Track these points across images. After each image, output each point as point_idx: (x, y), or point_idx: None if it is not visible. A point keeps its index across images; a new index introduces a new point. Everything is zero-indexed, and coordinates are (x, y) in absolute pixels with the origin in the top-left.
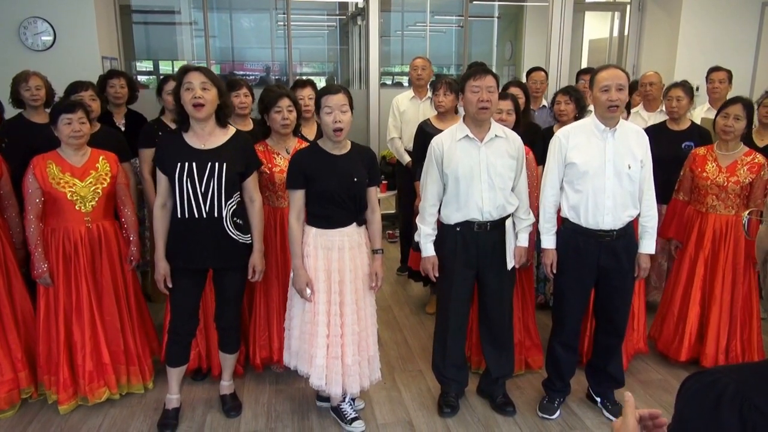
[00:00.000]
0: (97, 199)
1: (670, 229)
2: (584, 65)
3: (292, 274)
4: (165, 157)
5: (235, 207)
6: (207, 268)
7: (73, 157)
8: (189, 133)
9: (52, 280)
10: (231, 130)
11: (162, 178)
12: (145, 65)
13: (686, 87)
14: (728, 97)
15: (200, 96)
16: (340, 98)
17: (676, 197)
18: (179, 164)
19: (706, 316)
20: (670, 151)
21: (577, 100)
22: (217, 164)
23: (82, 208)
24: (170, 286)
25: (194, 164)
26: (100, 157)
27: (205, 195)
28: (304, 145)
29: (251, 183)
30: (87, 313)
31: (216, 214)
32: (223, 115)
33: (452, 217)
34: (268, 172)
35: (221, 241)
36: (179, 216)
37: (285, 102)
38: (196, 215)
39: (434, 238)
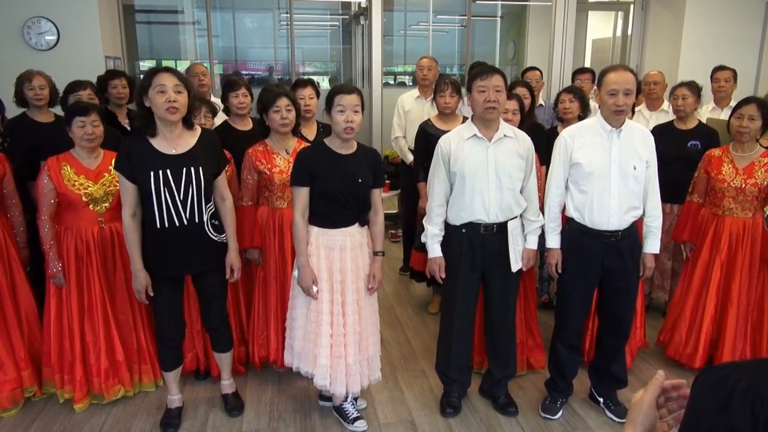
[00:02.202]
0: (110, 200)
1: (684, 232)
2: (587, 65)
3: (295, 273)
4: (133, 165)
5: (213, 210)
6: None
7: (86, 159)
8: (157, 138)
9: (65, 280)
10: (197, 130)
11: (129, 187)
12: (148, 65)
13: (692, 86)
14: (733, 96)
15: (175, 99)
16: (354, 99)
17: (690, 199)
18: (152, 173)
19: (722, 320)
20: (676, 150)
21: (581, 98)
22: (192, 169)
23: (96, 208)
24: (152, 295)
25: (168, 171)
26: (113, 160)
27: (184, 202)
28: (304, 145)
29: (222, 182)
30: (100, 312)
31: (197, 220)
32: (189, 116)
33: (458, 218)
34: (267, 172)
35: (202, 245)
36: (158, 226)
37: (283, 101)
38: (177, 223)
39: (441, 238)
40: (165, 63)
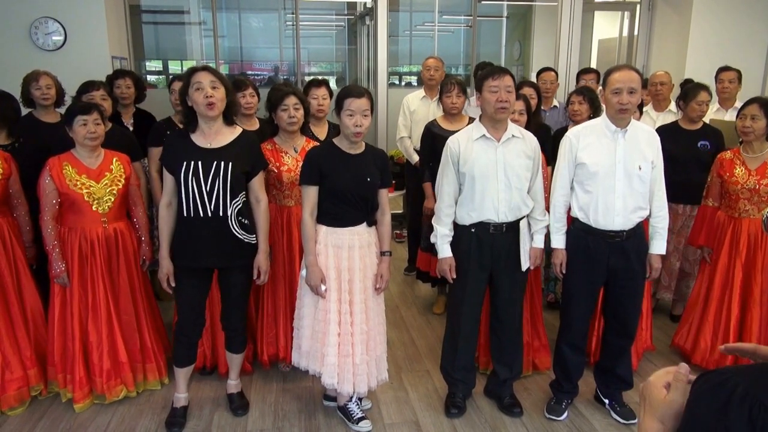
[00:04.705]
0: (112, 200)
1: (700, 237)
2: (593, 65)
3: (303, 272)
4: (171, 156)
5: (240, 206)
6: (212, 268)
7: (87, 158)
8: (197, 133)
9: (69, 280)
10: (238, 130)
11: (168, 178)
12: (154, 65)
13: (709, 90)
14: (738, 96)
15: (212, 95)
16: (364, 103)
17: (705, 203)
18: (185, 163)
19: (745, 322)
20: (687, 150)
21: (591, 100)
22: (222, 163)
23: (99, 208)
24: (173, 285)
25: (200, 163)
26: (114, 159)
27: (210, 194)
28: (312, 144)
29: (257, 183)
30: (104, 312)
31: (221, 213)
32: (230, 113)
33: (468, 218)
34: (275, 170)
35: (226, 241)
36: (185, 215)
37: (291, 100)
38: (201, 214)
39: (451, 239)
40: (171, 63)
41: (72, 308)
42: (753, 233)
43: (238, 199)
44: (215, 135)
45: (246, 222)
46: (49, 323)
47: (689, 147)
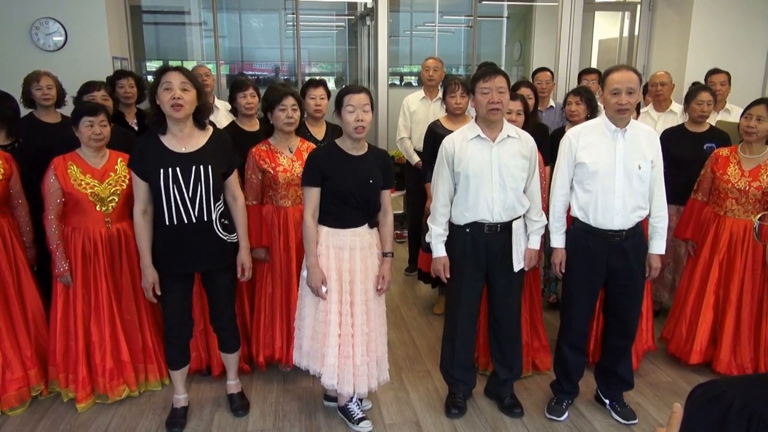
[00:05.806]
0: (116, 200)
1: (687, 230)
2: (594, 65)
3: (304, 273)
4: (145, 163)
5: (222, 208)
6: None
7: (92, 158)
8: (167, 136)
9: (72, 279)
10: (209, 131)
11: (141, 184)
12: (155, 65)
13: (712, 90)
14: (728, 98)
15: (180, 96)
16: (363, 98)
17: (694, 197)
18: (162, 170)
19: (721, 321)
20: (693, 152)
21: (588, 100)
22: (202, 167)
23: (103, 208)
24: (158, 293)
25: (178, 169)
26: (119, 159)
27: (193, 200)
28: (307, 143)
29: (233, 181)
30: (106, 312)
31: (206, 218)
32: (201, 117)
33: (462, 217)
34: (271, 171)
35: (211, 244)
36: (167, 223)
37: (290, 101)
38: (186, 221)
39: (445, 238)
40: (172, 63)
41: (75, 308)
42: (735, 233)
43: (220, 202)
44: (188, 138)
45: (227, 223)
46: (52, 323)
47: (695, 149)
